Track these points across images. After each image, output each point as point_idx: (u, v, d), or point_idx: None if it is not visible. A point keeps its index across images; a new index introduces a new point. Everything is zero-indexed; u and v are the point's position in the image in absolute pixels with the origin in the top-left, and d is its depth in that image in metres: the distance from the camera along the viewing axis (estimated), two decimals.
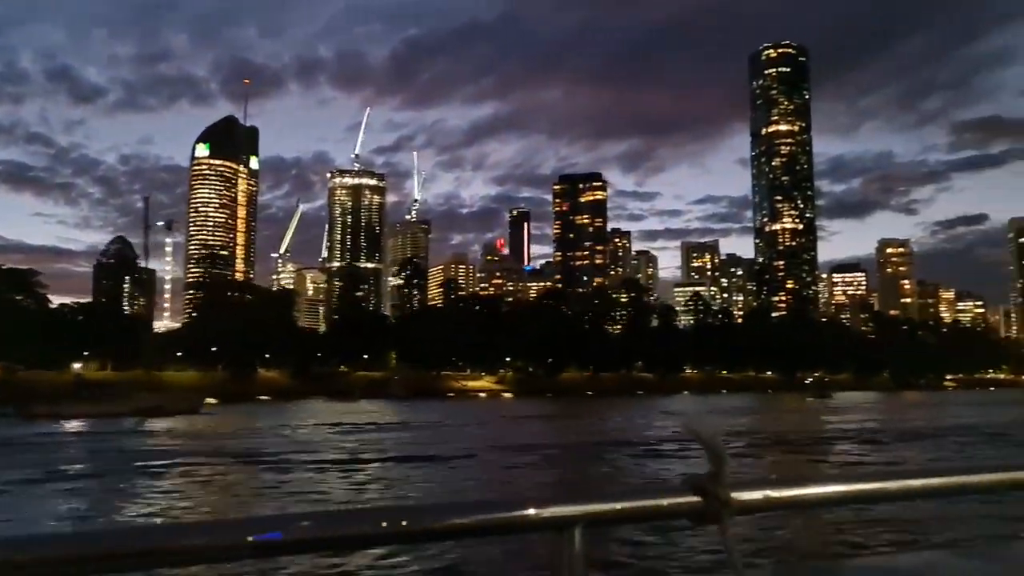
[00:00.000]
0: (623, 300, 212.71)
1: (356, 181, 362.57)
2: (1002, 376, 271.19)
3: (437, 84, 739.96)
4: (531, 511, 1.43)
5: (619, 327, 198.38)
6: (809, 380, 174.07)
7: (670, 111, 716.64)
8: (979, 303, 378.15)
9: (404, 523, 1.36)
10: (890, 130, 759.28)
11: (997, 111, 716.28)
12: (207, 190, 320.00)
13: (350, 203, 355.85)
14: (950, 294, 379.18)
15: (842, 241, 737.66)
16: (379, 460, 33.67)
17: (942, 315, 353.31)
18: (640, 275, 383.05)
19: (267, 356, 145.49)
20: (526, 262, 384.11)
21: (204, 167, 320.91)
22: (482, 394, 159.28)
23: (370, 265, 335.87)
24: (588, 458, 35.90)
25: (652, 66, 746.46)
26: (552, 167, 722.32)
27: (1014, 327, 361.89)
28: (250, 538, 1.28)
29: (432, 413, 76.28)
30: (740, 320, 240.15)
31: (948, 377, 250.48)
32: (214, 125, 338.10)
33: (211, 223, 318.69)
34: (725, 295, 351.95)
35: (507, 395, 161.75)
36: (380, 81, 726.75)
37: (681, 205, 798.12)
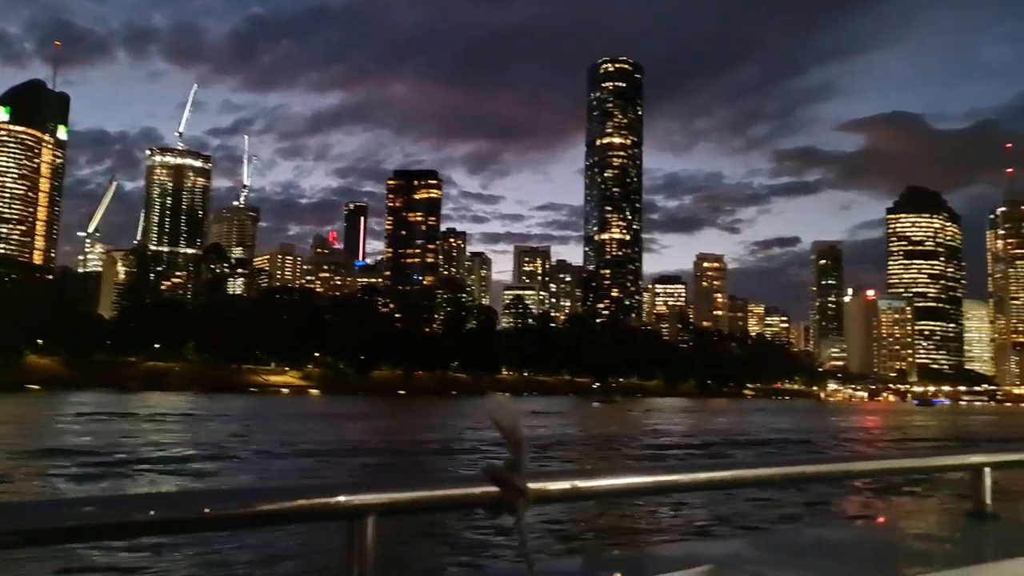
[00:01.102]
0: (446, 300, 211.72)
1: (179, 161, 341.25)
2: (796, 386, 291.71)
3: (280, 67, 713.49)
4: (320, 499, 1.39)
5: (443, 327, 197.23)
6: (596, 385, 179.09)
7: (517, 116, 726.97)
8: (784, 319, 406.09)
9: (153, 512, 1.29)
10: (720, 152, 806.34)
11: (813, 142, 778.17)
12: (4, 158, 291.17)
13: (171, 184, 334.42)
14: (760, 309, 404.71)
15: (672, 254, 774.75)
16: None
17: (752, 328, 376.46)
18: (474, 277, 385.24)
19: (40, 342, 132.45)
20: (360, 257, 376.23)
21: (3, 133, 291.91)
22: (284, 390, 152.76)
23: (189, 251, 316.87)
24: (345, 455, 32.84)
25: (502, 69, 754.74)
26: (397, 163, 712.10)
27: (811, 342, 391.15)
28: (24, 525, 1.24)
29: (204, 407, 71.07)
30: (560, 325, 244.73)
31: (748, 385, 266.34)
32: (17, 88, 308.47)
33: (7, 195, 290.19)
34: (554, 300, 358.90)
35: (314, 392, 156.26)
36: (219, 58, 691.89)
37: (524, 210, 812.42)
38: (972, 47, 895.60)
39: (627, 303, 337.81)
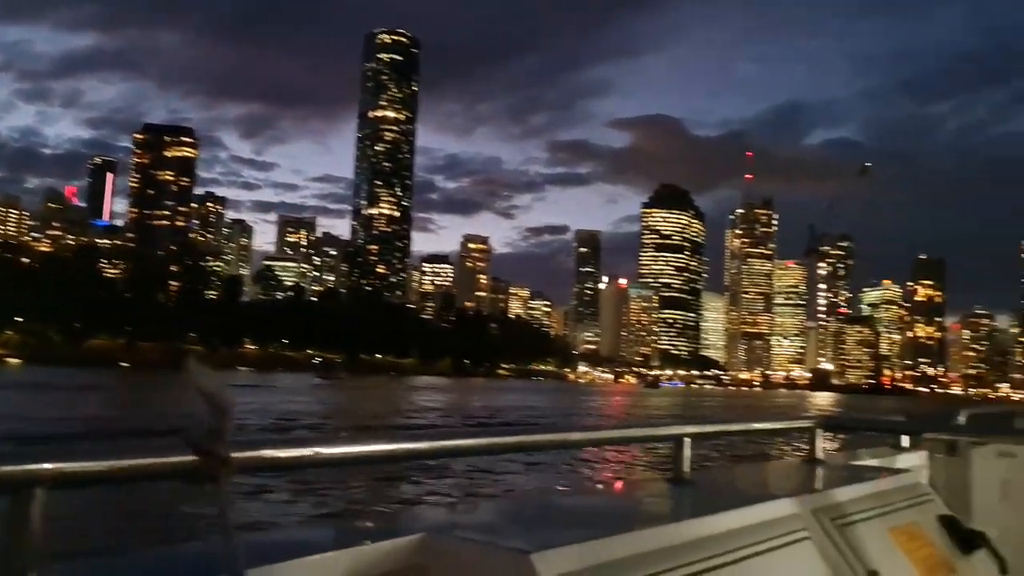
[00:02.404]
0: (196, 267, 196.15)
1: None
2: (550, 368, 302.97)
3: None
4: None
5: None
6: (318, 360, 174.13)
7: (298, 82, 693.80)
8: (547, 303, 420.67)
9: None
10: (500, 138, 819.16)
11: (587, 136, 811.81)
12: None
13: None
14: (525, 293, 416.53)
15: (449, 235, 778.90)
16: None
17: (516, 311, 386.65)
18: (233, 245, 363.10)
19: None
20: (105, 217, 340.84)
21: None
22: None
23: None
24: None
25: (284, 31, 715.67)
26: (161, 119, 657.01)
27: (569, 326, 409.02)
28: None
29: None
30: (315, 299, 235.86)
31: (504, 366, 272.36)
32: None
33: None
34: (317, 274, 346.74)
35: (13, 361, 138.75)
36: None
37: (299, 180, 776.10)
38: (730, 62, 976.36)
39: (393, 280, 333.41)
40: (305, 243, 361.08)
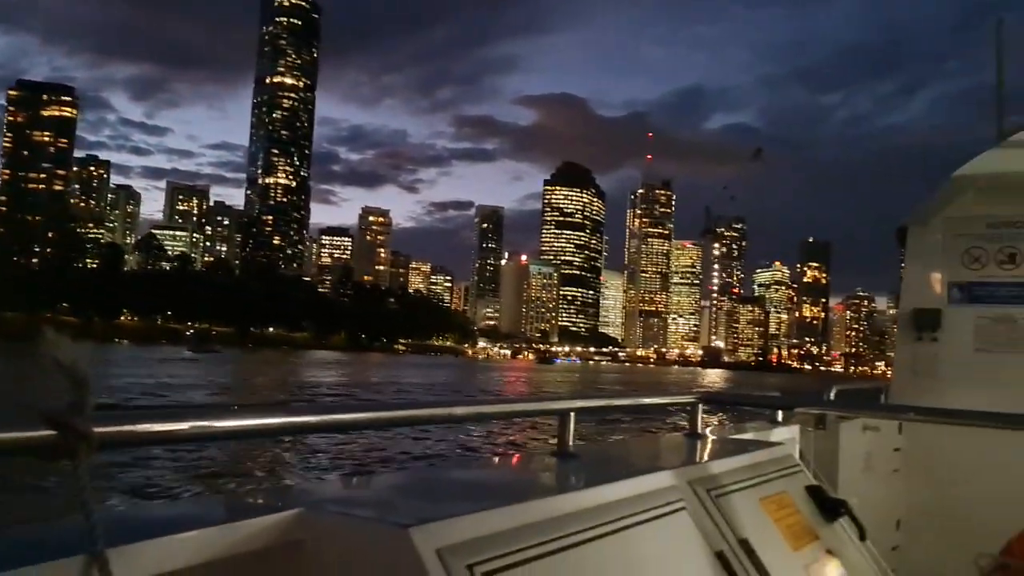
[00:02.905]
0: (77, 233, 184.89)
1: None
2: (448, 344, 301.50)
3: None
4: None
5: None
6: (191, 332, 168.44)
7: (194, 43, 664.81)
8: (449, 278, 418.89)
9: None
10: (407, 111, 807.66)
11: (493, 112, 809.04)
12: None
13: None
14: (427, 268, 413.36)
15: (352, 208, 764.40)
16: None
17: (418, 286, 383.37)
18: (118, 212, 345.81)
19: None
20: None
21: None
22: None
23: None
24: None
25: None
26: (44, 76, 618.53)
27: (470, 302, 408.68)
28: None
29: None
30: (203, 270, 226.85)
31: (402, 340, 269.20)
32: None
33: None
34: (209, 244, 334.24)
35: None
36: None
37: (195, 147, 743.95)
38: (635, 44, 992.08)
39: (289, 252, 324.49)
40: (197, 212, 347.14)
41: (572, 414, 2.27)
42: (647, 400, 3.30)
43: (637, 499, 1.92)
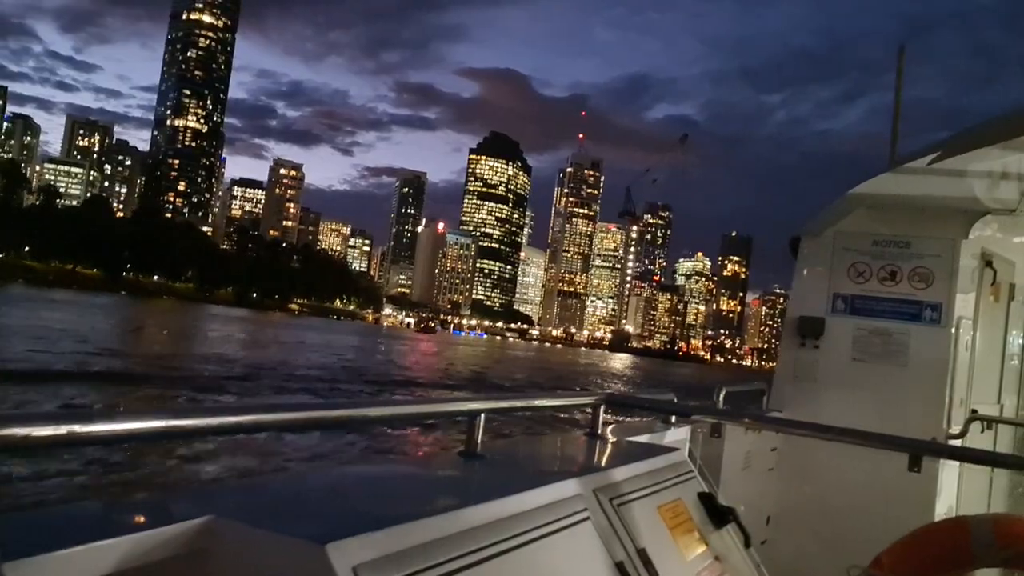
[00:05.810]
0: None
1: None
2: (351, 308, 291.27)
3: None
4: None
5: None
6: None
7: None
8: (368, 242, 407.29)
9: None
10: (350, 70, 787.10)
11: (436, 81, 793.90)
12: None
13: None
14: (346, 230, 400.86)
15: None
16: None
17: (334, 247, 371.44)
18: (13, 143, 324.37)
19: None
20: None
21: None
22: None
23: None
24: None
25: None
26: None
27: (384, 268, 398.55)
28: None
29: None
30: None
31: (298, 300, 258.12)
32: None
33: None
34: (107, 183, 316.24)
35: None
36: None
37: (125, 88, 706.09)
38: (587, 25, 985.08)
39: (195, 199, 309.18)
40: (98, 149, 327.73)
41: (482, 415, 2.30)
42: (553, 402, 3.42)
43: (545, 509, 1.94)
